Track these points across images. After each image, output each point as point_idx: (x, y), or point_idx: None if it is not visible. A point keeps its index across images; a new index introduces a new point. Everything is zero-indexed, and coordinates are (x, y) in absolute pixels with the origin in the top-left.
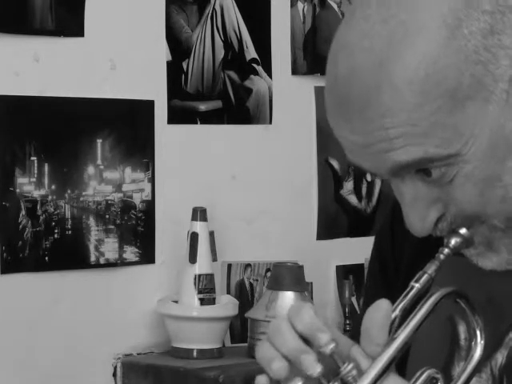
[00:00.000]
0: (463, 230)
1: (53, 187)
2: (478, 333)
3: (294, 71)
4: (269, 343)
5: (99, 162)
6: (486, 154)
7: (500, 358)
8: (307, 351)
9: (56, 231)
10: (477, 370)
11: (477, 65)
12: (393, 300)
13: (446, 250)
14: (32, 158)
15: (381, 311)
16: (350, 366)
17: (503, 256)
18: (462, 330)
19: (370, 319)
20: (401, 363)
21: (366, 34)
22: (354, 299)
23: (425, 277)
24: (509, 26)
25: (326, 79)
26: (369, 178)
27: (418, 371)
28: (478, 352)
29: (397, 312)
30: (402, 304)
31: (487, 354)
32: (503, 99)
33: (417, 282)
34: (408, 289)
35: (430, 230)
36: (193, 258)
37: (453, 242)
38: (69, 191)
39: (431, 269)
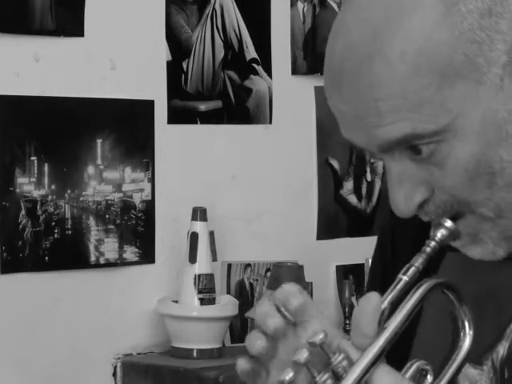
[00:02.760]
0: (449, 223)
1: (53, 187)
2: (467, 323)
3: (294, 71)
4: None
5: (99, 161)
6: (477, 137)
7: (501, 350)
8: (273, 315)
9: (56, 231)
10: (466, 360)
11: (471, 44)
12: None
13: (433, 243)
14: (32, 158)
15: (371, 303)
16: (341, 356)
17: (488, 246)
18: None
19: (360, 311)
20: (402, 360)
21: (363, 7)
22: (353, 299)
23: (412, 269)
24: (508, 10)
25: (325, 56)
26: (369, 177)
27: (408, 363)
28: (466, 342)
29: (385, 304)
30: (390, 296)
31: (489, 347)
32: (496, 84)
33: (404, 274)
34: (396, 281)
35: (413, 211)
36: (193, 258)
37: (439, 234)
38: (69, 191)
39: (418, 261)
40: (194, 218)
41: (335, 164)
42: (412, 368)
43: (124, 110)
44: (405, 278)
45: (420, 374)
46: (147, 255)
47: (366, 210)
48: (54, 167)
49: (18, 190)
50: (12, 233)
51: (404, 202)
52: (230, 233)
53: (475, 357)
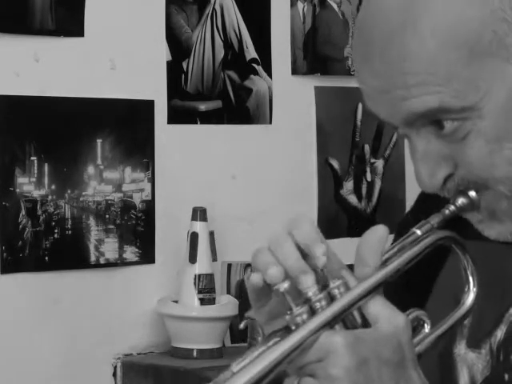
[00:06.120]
0: (471, 192)
1: (53, 187)
2: (471, 278)
3: (294, 71)
4: (268, 251)
5: (99, 161)
6: (500, 113)
7: (499, 333)
8: (307, 271)
9: (56, 231)
10: (466, 317)
11: (501, 22)
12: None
13: (452, 207)
14: (32, 158)
15: (376, 235)
16: (339, 281)
17: (507, 225)
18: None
19: (365, 242)
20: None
21: None
22: None
23: (426, 226)
24: None
25: (356, 22)
26: (369, 177)
27: (407, 311)
28: (469, 299)
29: (394, 250)
30: (399, 245)
31: (488, 331)
32: None
33: (418, 228)
34: (409, 233)
35: (439, 186)
36: (193, 258)
37: (459, 201)
38: (69, 191)
39: (434, 220)
40: (194, 218)
41: (335, 164)
42: (410, 316)
43: (124, 110)
44: (418, 232)
45: (418, 324)
46: (147, 255)
47: (366, 210)
48: (54, 167)
49: (18, 190)
50: (12, 233)
51: (429, 177)
52: (230, 233)
53: (475, 341)
